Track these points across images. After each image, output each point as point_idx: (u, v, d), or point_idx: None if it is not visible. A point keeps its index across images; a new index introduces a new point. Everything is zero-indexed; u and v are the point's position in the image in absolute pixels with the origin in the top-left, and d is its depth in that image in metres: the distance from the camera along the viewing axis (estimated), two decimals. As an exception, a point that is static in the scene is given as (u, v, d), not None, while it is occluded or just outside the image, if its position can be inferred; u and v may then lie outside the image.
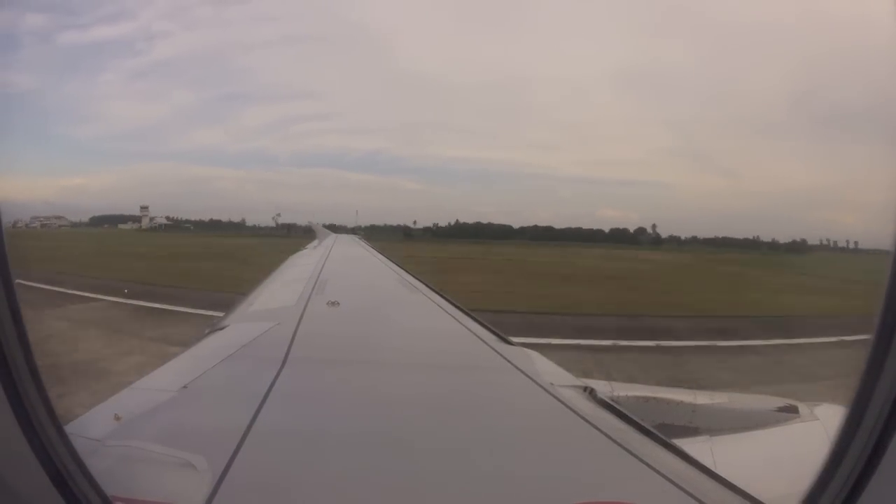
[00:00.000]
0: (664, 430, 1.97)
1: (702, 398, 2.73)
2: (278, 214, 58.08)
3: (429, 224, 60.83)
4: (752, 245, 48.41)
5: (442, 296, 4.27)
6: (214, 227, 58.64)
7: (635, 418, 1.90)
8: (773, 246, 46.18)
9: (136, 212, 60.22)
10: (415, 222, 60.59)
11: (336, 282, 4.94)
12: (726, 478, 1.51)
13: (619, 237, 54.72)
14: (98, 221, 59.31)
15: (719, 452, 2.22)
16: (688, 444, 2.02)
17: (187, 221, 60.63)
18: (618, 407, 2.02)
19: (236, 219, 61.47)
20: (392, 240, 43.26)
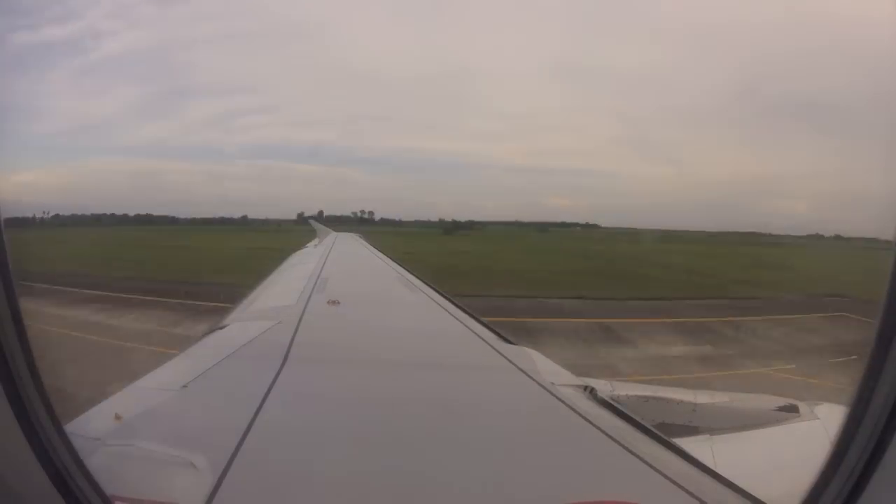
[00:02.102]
0: (664, 430, 1.97)
1: (702, 397, 2.72)
2: None
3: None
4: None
5: (442, 295, 4.26)
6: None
7: (636, 417, 1.90)
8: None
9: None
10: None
11: (336, 280, 4.94)
12: (726, 477, 1.51)
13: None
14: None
15: (719, 451, 2.21)
16: (688, 444, 2.02)
17: None
18: (618, 406, 2.02)
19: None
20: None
